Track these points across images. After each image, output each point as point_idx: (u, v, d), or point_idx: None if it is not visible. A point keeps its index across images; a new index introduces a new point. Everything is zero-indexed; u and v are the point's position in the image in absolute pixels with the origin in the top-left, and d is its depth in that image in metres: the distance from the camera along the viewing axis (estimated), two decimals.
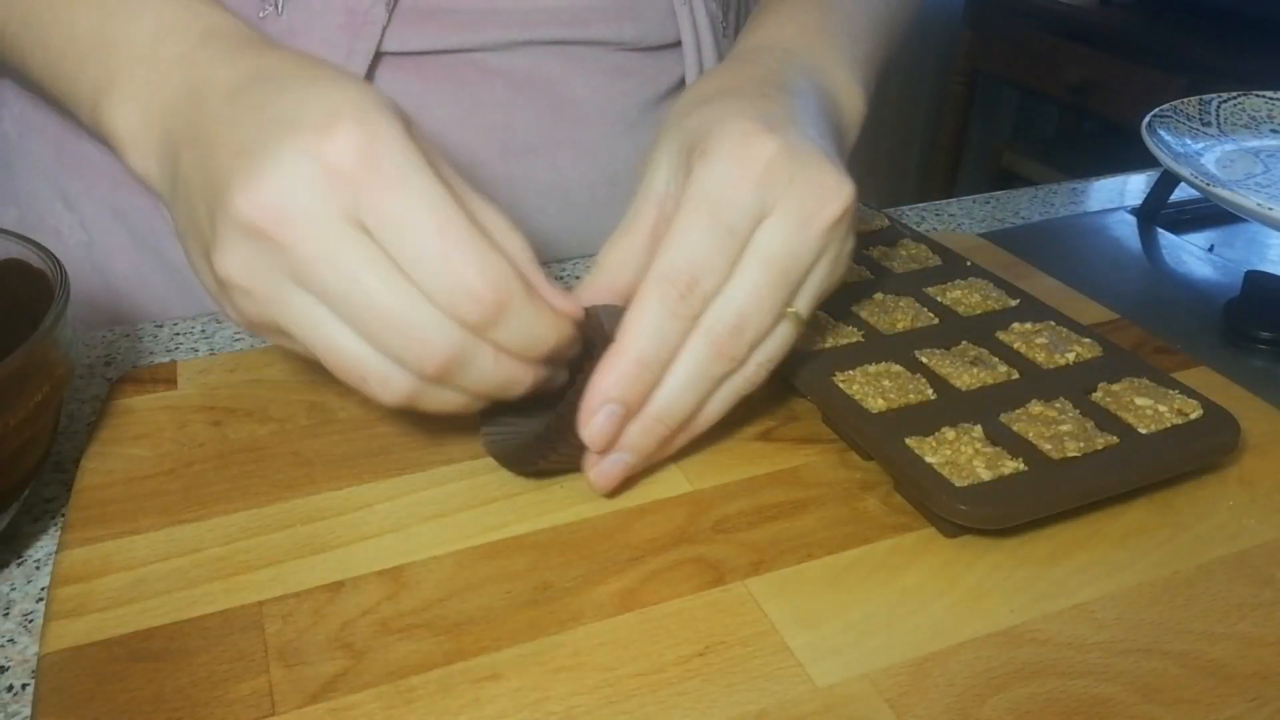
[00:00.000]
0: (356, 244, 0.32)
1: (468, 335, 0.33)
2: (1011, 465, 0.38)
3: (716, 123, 0.38)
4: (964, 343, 0.46)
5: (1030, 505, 0.37)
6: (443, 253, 0.32)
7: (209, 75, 0.36)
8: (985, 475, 0.37)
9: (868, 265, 0.52)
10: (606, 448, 0.37)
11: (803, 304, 0.38)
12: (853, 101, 0.47)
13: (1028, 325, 0.47)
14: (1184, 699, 0.32)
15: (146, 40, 0.38)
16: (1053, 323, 0.47)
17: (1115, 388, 0.42)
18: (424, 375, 0.33)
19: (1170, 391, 0.42)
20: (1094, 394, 0.42)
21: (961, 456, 0.38)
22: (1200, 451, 0.40)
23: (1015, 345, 0.45)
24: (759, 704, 0.31)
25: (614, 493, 0.39)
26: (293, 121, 0.32)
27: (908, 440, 0.39)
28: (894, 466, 0.39)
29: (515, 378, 0.35)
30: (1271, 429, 0.44)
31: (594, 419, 0.36)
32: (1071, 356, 0.44)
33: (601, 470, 0.38)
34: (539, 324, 0.34)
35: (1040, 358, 0.44)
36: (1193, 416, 0.41)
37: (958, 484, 0.37)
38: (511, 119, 0.57)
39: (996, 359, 0.45)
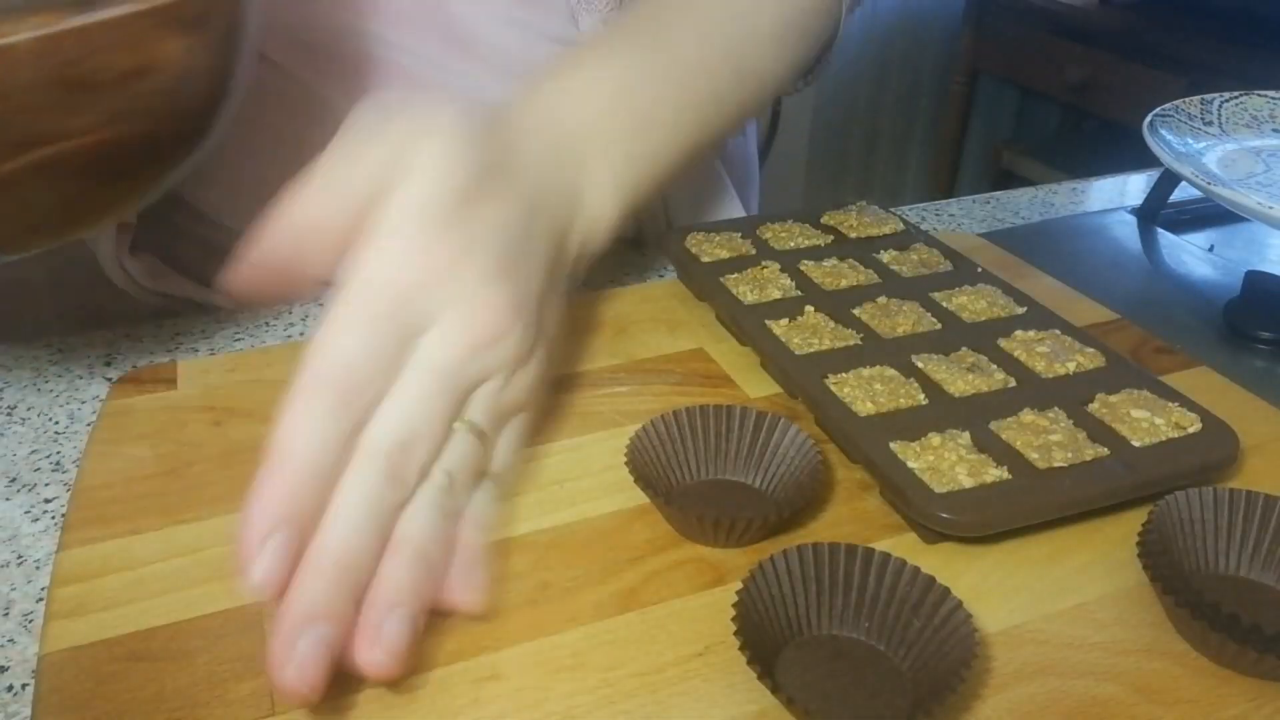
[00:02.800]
0: None
1: None
2: (995, 473, 0.37)
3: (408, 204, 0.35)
4: (963, 349, 0.45)
5: (1008, 514, 0.36)
6: None
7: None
8: (967, 482, 0.37)
9: (875, 269, 0.52)
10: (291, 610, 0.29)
11: (476, 415, 0.36)
12: (597, 211, 0.44)
13: (1031, 333, 0.46)
14: (1184, 699, 0.32)
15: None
16: (1058, 331, 0.47)
17: (1113, 399, 0.42)
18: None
19: (1170, 404, 0.41)
20: (1090, 404, 0.42)
21: (944, 462, 0.38)
22: (1194, 467, 0.39)
23: (1016, 353, 0.45)
24: (759, 704, 0.31)
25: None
26: None
27: (892, 444, 0.39)
28: (875, 470, 0.38)
29: None
30: (1272, 430, 0.44)
31: (260, 556, 0.28)
32: (1072, 366, 0.44)
33: (298, 660, 0.28)
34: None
35: (1040, 366, 0.44)
36: (1190, 430, 0.40)
37: (937, 490, 0.36)
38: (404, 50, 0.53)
39: (994, 366, 0.44)
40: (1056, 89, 1.93)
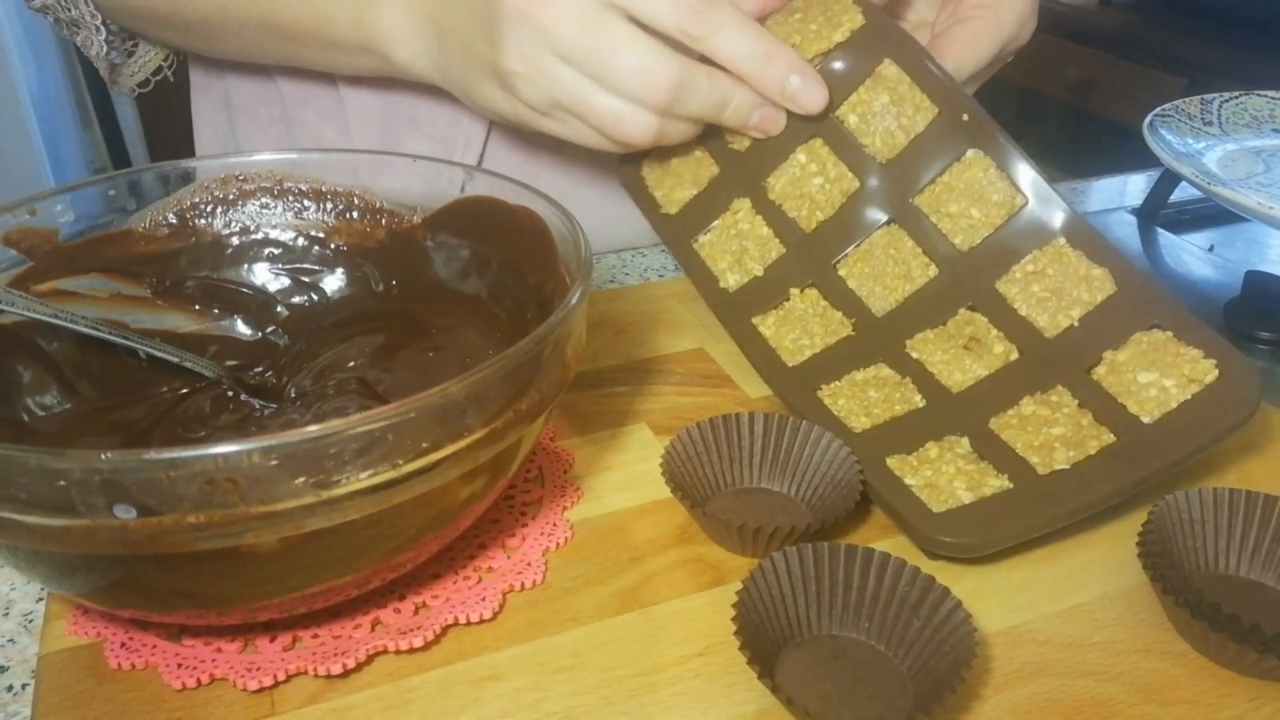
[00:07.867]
0: (600, 14, 0.41)
1: (685, 63, 0.41)
2: (994, 484, 0.37)
3: None
4: (960, 311, 0.43)
5: (1009, 532, 0.36)
6: None
7: None
8: (965, 498, 0.36)
9: (850, 162, 0.46)
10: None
11: None
12: None
13: (1030, 266, 0.42)
14: (1184, 699, 0.32)
15: None
16: (1062, 241, 0.42)
17: (1121, 357, 0.39)
18: (657, 107, 0.42)
19: (1183, 350, 0.39)
20: (1097, 369, 0.39)
21: (942, 477, 0.37)
22: (1207, 437, 0.37)
23: (1015, 302, 0.42)
24: (759, 704, 0.31)
25: None
26: None
27: (889, 460, 0.38)
28: (872, 491, 0.38)
29: (728, 93, 0.43)
30: (1272, 429, 0.44)
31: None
32: (1077, 313, 0.41)
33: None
34: (739, 43, 0.42)
35: (1043, 321, 0.41)
36: (1208, 381, 0.38)
37: (935, 509, 0.36)
38: None
39: (994, 331, 0.42)
40: (1056, 89, 1.93)
